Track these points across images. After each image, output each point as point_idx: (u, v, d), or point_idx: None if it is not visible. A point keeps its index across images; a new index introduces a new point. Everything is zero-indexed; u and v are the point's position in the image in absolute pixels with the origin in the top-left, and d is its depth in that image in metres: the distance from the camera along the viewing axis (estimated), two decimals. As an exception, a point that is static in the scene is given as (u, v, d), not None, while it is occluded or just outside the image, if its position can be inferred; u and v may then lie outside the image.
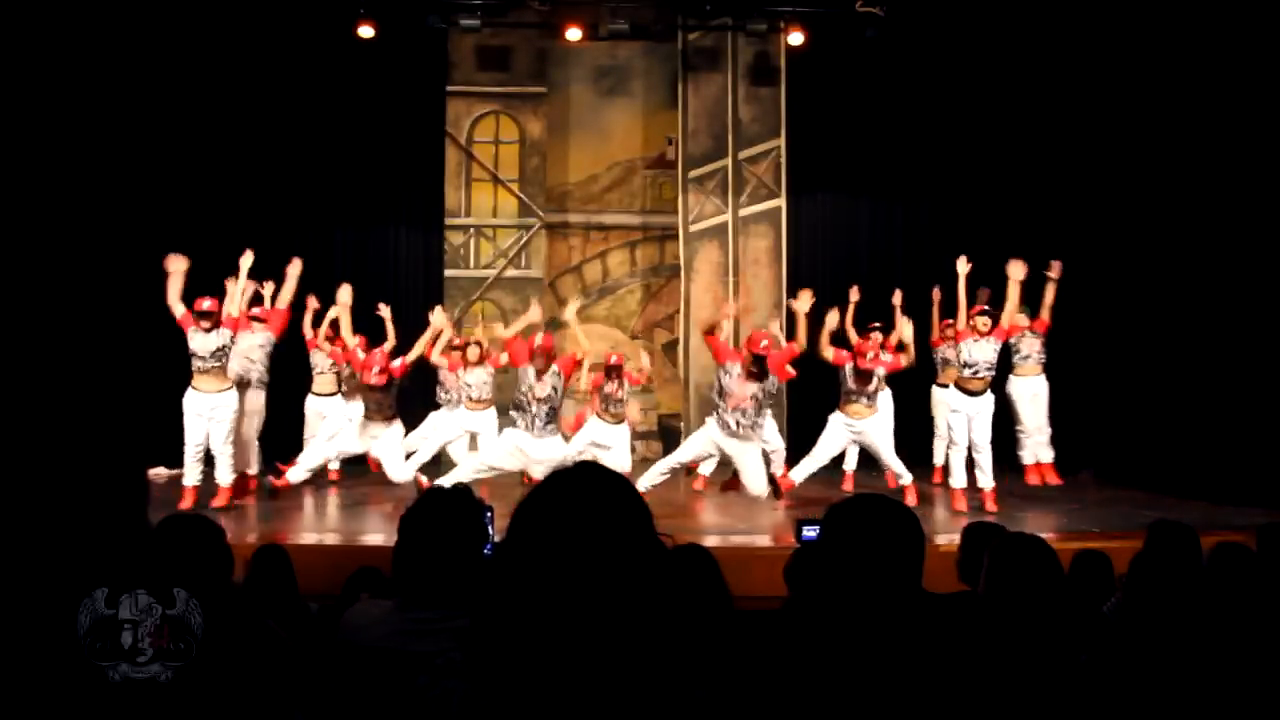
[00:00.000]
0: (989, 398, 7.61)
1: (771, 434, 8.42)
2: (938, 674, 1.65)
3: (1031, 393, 8.43)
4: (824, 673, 1.64)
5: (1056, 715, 2.13)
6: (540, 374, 7.10)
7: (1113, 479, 9.31)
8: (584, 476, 1.20)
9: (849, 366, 7.67)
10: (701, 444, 7.46)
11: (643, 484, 7.23)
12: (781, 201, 11.18)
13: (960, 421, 7.58)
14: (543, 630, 1.09)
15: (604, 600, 1.10)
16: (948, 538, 5.84)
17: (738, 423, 7.08)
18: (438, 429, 8.49)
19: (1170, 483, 8.17)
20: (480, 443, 8.34)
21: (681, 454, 7.68)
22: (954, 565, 3.48)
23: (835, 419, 7.78)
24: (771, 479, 7.43)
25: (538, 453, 7.10)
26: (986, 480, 7.57)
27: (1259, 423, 7.63)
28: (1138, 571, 3.09)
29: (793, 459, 8.29)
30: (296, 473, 7.74)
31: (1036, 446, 8.62)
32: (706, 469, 8.57)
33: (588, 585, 1.10)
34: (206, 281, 9.92)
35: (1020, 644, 2.39)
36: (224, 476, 7.33)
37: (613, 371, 8.05)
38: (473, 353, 8.42)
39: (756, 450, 7.34)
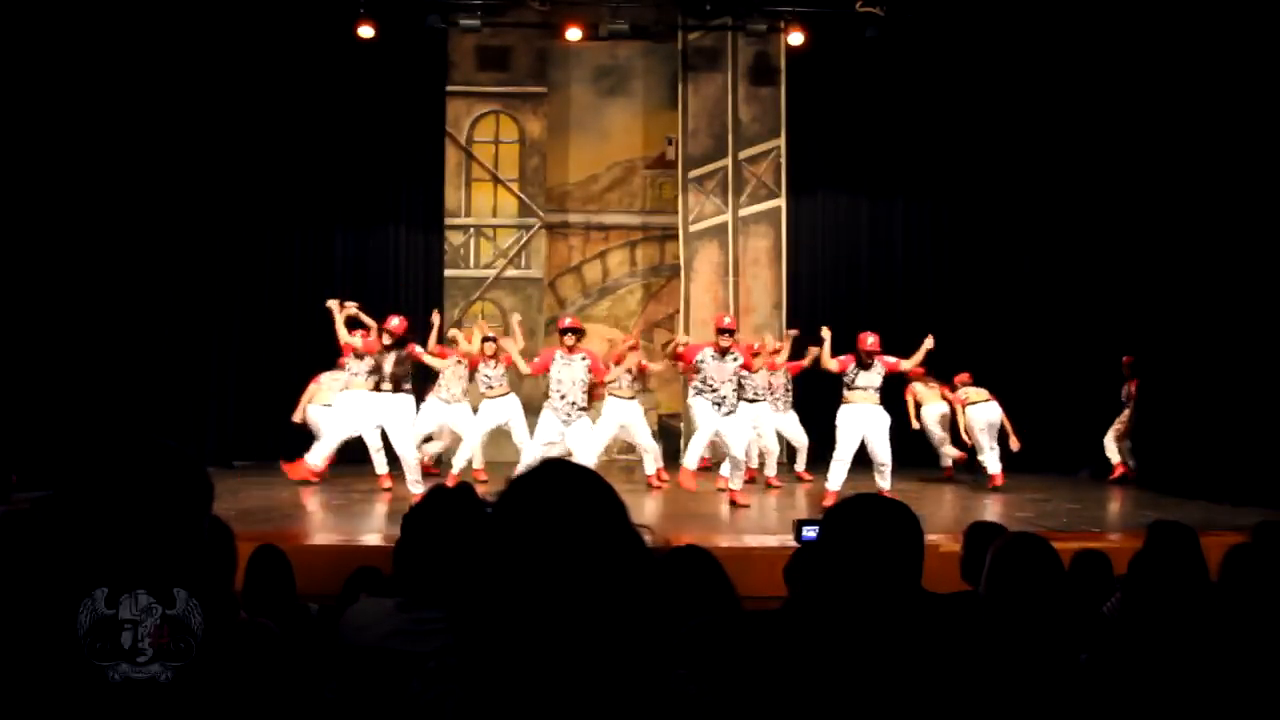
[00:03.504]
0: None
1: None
2: (938, 674, 1.65)
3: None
4: (824, 673, 1.64)
5: (1056, 715, 2.13)
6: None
7: (1113, 479, 9.32)
8: (552, 474, 1.18)
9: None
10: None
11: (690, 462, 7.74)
12: (781, 201, 11.19)
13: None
14: (524, 630, 1.08)
15: (582, 596, 1.08)
16: (943, 537, 5.83)
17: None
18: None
19: (1170, 483, 8.17)
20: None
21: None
22: (952, 566, 3.48)
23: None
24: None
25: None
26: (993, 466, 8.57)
27: (1259, 423, 7.62)
28: (1137, 571, 3.09)
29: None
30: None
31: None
32: (724, 468, 8.57)
33: (565, 583, 1.09)
34: (208, 281, 9.96)
35: (1020, 644, 2.39)
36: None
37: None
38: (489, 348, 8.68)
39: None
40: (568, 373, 7.49)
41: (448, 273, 11.18)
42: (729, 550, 5.81)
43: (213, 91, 9.90)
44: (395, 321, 8.21)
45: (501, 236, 11.37)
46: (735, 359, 7.69)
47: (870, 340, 7.67)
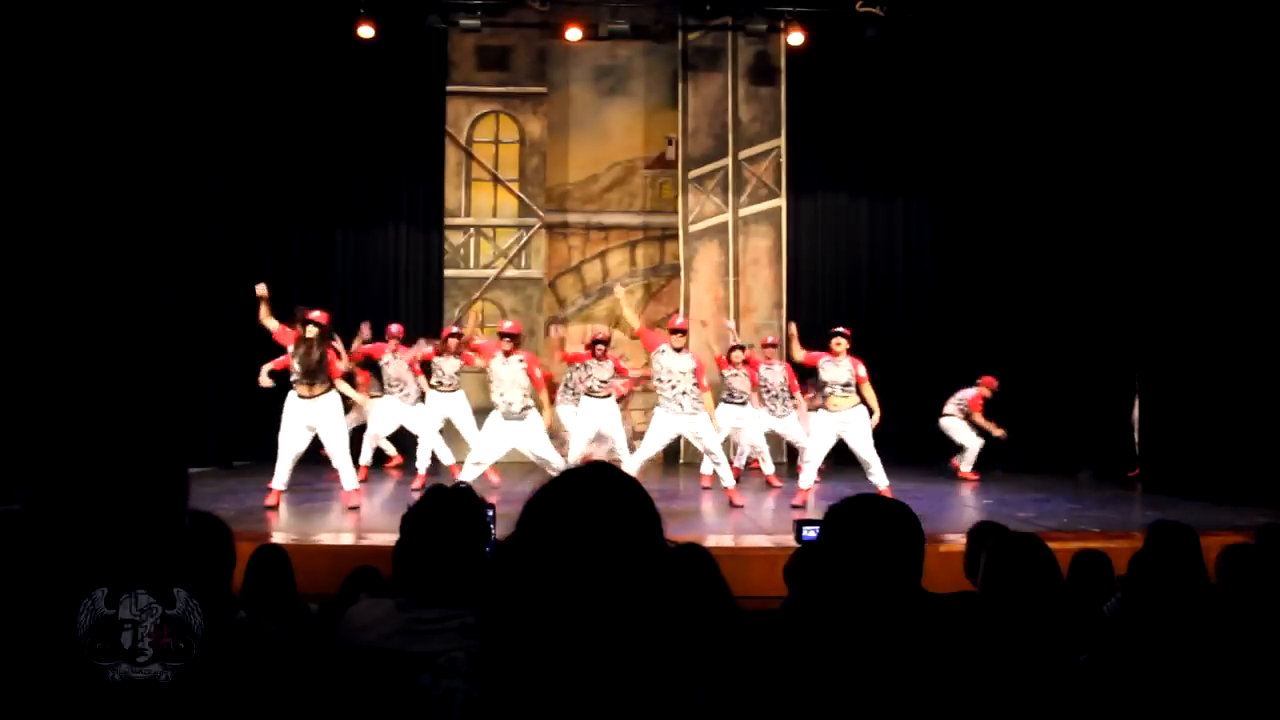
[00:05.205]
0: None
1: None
2: (937, 674, 1.65)
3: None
4: (824, 672, 1.64)
5: (1056, 715, 2.13)
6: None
7: (1112, 479, 9.33)
8: (597, 477, 1.19)
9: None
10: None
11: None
12: (781, 201, 11.20)
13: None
14: (549, 628, 1.09)
15: (611, 601, 1.09)
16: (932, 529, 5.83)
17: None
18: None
19: (1171, 483, 8.17)
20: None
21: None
22: (953, 566, 3.49)
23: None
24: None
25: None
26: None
27: (1259, 422, 7.62)
28: (1137, 571, 3.09)
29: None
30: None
31: None
32: (707, 468, 8.60)
33: (595, 585, 1.09)
34: (208, 281, 9.95)
35: (1020, 644, 2.39)
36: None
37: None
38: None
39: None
40: (505, 371, 7.49)
41: (448, 273, 11.19)
42: (728, 550, 5.82)
43: (213, 91, 9.90)
44: (317, 313, 7.33)
45: (501, 236, 11.38)
46: (688, 360, 7.59)
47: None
